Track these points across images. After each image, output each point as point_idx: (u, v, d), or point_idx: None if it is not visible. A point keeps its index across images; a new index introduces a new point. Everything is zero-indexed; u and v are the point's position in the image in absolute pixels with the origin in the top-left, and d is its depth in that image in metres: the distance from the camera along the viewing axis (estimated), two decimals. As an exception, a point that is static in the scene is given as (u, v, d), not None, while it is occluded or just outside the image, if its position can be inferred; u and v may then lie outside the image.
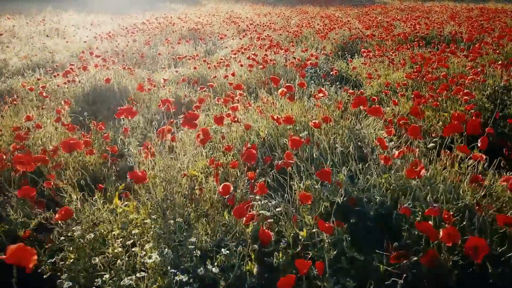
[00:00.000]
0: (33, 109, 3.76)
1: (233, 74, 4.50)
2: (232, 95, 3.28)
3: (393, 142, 2.63)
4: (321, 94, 2.79)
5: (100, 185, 2.25)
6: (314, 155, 2.07)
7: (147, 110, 4.12)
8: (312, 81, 5.16)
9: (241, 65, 4.83)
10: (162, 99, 2.24)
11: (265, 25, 10.68)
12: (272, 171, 2.06)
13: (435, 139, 2.23)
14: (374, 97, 4.11)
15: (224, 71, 5.03)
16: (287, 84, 2.72)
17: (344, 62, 6.55)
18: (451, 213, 1.61)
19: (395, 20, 10.56)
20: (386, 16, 14.74)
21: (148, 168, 2.08)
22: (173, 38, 8.89)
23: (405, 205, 1.63)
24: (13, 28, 11.00)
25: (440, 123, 3.32)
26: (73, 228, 1.75)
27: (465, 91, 2.98)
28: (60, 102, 4.20)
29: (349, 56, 6.72)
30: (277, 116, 2.37)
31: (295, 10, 20.08)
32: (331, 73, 4.98)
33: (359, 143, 2.55)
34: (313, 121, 2.05)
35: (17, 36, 9.69)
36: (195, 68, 5.07)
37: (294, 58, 5.26)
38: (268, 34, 8.22)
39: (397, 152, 1.92)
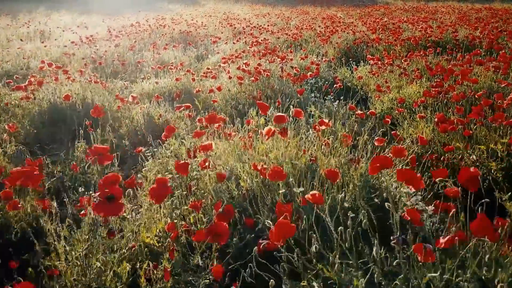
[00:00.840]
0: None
1: (219, 89, 3.81)
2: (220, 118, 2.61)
3: (419, 196, 1.95)
4: (323, 127, 2.10)
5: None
6: (314, 233, 1.38)
7: (113, 134, 3.43)
8: (313, 94, 4.48)
9: (230, 77, 4.14)
10: (93, 148, 1.55)
11: (263, 28, 9.99)
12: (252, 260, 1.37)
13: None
14: (387, 118, 3.44)
15: (210, 84, 4.35)
16: (278, 115, 2.03)
17: (348, 70, 5.86)
18: None
19: (402, 22, 9.86)
20: (390, 17, 14.04)
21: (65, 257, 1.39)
22: (162, 42, 8.21)
23: None
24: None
25: (474, 156, 2.63)
26: None
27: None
28: (15, 122, 3.53)
29: (353, 63, 6.03)
30: (261, 166, 1.68)
31: (296, 11, 19.38)
32: (335, 85, 4.29)
33: (376, 199, 1.86)
34: (309, 193, 1.35)
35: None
36: (177, 79, 4.38)
37: (292, 67, 4.57)
38: (265, 38, 7.53)
39: (443, 240, 1.23)
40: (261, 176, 1.71)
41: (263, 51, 5.46)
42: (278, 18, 15.06)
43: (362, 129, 3.47)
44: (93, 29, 10.97)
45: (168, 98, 4.47)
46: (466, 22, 9.48)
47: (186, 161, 1.78)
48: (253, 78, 4.02)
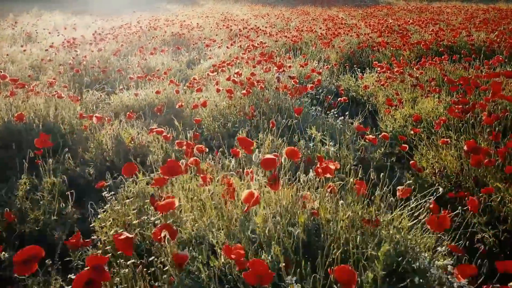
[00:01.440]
0: None
1: (204, 104, 3.25)
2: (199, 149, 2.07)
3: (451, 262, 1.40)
4: (328, 175, 1.54)
5: None
6: None
7: (75, 161, 2.88)
8: (313, 108, 3.92)
9: (219, 90, 3.58)
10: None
11: (260, 30, 9.43)
12: None
13: None
14: (401, 139, 2.88)
15: (196, 97, 3.80)
16: (267, 157, 1.47)
17: (352, 77, 5.31)
18: None
19: (408, 23, 9.28)
20: (395, 18, 13.47)
21: None
22: (152, 45, 7.65)
23: None
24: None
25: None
26: None
27: None
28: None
29: (358, 70, 5.47)
30: (237, 252, 1.13)
31: (296, 11, 18.81)
32: (338, 99, 3.73)
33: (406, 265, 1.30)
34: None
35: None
36: (157, 92, 3.82)
37: (291, 77, 4.01)
38: (261, 41, 6.97)
39: None
40: (237, 268, 1.15)
41: (258, 57, 4.90)
42: (277, 19, 14.50)
43: (372, 154, 2.92)
44: (83, 31, 10.42)
45: (149, 113, 3.92)
46: (476, 23, 8.92)
47: (128, 237, 1.22)
48: (244, 91, 3.46)
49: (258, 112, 3.52)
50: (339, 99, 3.72)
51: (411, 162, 2.53)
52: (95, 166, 2.92)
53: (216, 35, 8.97)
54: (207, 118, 3.46)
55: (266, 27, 10.55)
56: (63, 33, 9.66)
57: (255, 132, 3.25)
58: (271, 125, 2.73)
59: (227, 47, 6.34)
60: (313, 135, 2.84)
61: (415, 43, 5.96)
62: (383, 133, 2.73)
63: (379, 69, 4.94)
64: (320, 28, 9.69)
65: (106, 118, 3.18)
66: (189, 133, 2.87)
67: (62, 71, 4.84)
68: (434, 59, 4.80)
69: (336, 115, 3.73)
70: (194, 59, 6.77)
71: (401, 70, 4.39)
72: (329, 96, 4.25)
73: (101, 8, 20.75)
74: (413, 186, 1.80)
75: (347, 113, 3.71)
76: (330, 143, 2.78)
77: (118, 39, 7.75)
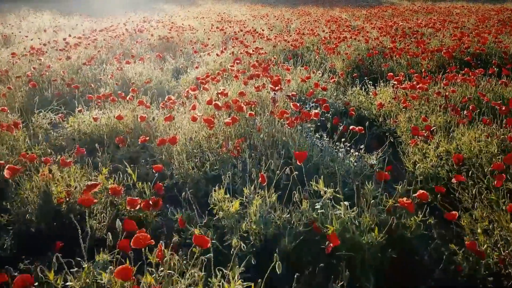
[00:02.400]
0: None
1: (173, 141, 2.42)
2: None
3: None
4: None
5: None
6: None
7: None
8: (317, 136, 3.08)
9: (195, 119, 2.74)
10: None
11: (257, 33, 8.59)
12: None
13: None
14: (441, 196, 2.05)
15: (163, 127, 2.97)
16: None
17: (362, 91, 4.47)
18: None
19: (420, 26, 8.42)
20: (401, 19, 12.61)
21: None
22: (136, 50, 6.82)
23: None
24: None
25: None
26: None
27: None
28: None
29: (370, 82, 4.62)
30: None
31: (297, 12, 17.97)
32: (351, 127, 2.88)
33: None
34: None
35: None
36: (119, 117, 2.99)
37: (289, 97, 3.18)
38: (257, 47, 6.13)
39: None
40: None
41: (251, 69, 4.06)
42: (277, 20, 13.67)
43: (405, 220, 2.07)
44: (65, 33, 9.58)
45: (110, 143, 3.09)
46: (495, 26, 8.07)
47: None
48: (229, 119, 2.62)
49: (247, 145, 2.69)
50: (352, 127, 2.88)
51: (468, 243, 1.69)
52: (15, 230, 2.09)
53: (208, 39, 8.14)
54: (180, 154, 2.63)
55: (264, 30, 9.71)
56: (42, 36, 8.83)
57: (242, 177, 2.41)
58: (260, 179, 1.89)
59: (217, 55, 5.50)
60: (321, 191, 2.00)
61: (435, 50, 5.12)
62: (419, 192, 1.89)
63: (395, 82, 4.11)
64: (323, 31, 8.84)
65: (43, 159, 2.34)
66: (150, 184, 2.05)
67: (12, 86, 4.00)
68: (463, 71, 3.97)
69: (348, 146, 2.90)
70: (181, 67, 5.93)
71: (426, 87, 3.55)
72: (337, 118, 3.41)
73: (96, 8, 19.93)
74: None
75: (362, 145, 2.87)
76: (344, 201, 1.95)
77: (97, 43, 6.90)
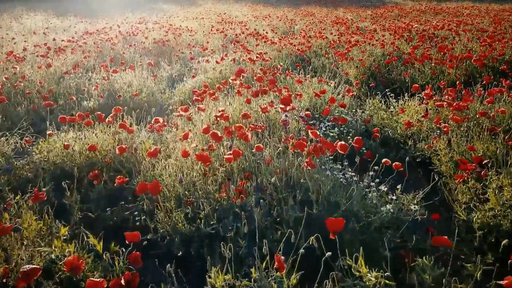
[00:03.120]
0: None
1: (155, 190, 1.83)
2: None
3: None
4: None
5: None
6: None
7: None
8: (338, 166, 2.49)
9: (186, 154, 2.14)
10: None
11: (260, 35, 7.99)
12: None
13: None
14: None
15: (145, 165, 2.39)
16: None
17: (382, 104, 3.88)
18: None
19: (437, 28, 7.81)
20: (411, 19, 12.00)
21: None
22: (128, 55, 6.23)
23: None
24: None
25: None
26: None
27: None
28: None
29: (392, 95, 4.03)
30: None
31: (300, 12, 17.36)
32: (375, 148, 2.29)
33: None
34: None
35: None
36: (91, 147, 2.40)
37: (303, 119, 2.59)
38: (261, 52, 5.54)
39: None
40: None
41: (255, 85, 3.47)
42: (280, 20, 13.07)
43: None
44: (56, 35, 8.99)
45: (82, 176, 2.51)
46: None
47: None
48: (229, 154, 2.03)
49: (254, 187, 2.10)
50: (384, 160, 2.29)
51: None
52: None
53: (208, 42, 7.54)
54: (164, 204, 2.03)
55: (267, 32, 9.12)
56: (33, 39, 8.24)
57: (247, 237, 1.82)
58: (276, 263, 1.30)
59: (217, 62, 4.91)
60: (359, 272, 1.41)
61: (463, 57, 4.52)
62: (508, 279, 1.30)
63: (424, 96, 3.52)
64: (331, 33, 8.25)
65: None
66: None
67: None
68: (497, 82, 3.37)
69: (378, 181, 2.30)
70: (177, 76, 5.34)
71: (466, 105, 2.95)
72: (359, 139, 2.82)
73: (93, 8, 19.32)
74: None
75: (399, 186, 2.27)
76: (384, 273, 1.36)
77: (86, 47, 6.31)
